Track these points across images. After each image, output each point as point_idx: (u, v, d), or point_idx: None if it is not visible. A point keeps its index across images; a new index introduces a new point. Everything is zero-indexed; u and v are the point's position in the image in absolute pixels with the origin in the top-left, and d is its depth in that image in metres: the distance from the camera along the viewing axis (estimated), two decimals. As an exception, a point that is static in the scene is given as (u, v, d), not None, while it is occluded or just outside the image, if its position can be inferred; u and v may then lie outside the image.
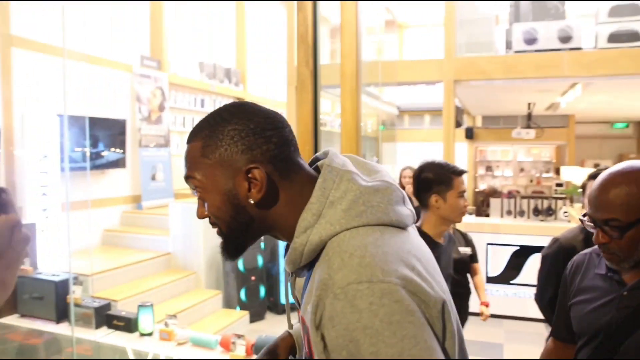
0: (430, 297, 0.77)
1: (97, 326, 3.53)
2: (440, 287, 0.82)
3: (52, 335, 3.68)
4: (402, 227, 0.87)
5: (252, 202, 0.88)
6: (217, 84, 7.93)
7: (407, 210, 0.90)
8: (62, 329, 3.69)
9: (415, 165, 2.31)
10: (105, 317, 3.52)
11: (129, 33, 6.26)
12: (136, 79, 5.97)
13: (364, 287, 0.74)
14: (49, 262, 4.32)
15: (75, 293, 3.65)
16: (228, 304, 5.21)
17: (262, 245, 5.43)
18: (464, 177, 2.21)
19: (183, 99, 7.21)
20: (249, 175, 0.87)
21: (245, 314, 5.04)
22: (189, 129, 7.39)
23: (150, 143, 6.17)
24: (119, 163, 5.72)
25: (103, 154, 5.44)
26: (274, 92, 9.63)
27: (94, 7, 5.56)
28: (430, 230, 2.16)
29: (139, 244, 5.53)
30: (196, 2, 7.58)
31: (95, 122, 5.20)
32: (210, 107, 7.82)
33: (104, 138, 5.43)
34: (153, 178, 6.18)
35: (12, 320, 3.70)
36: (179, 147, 7.17)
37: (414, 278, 0.77)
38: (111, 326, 3.47)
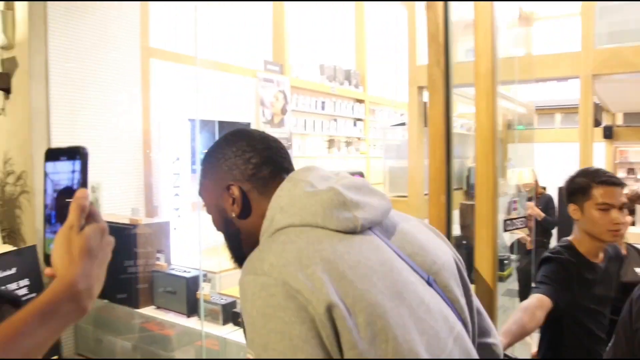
0: (313, 297, 0.77)
1: (224, 322, 3.67)
2: (365, 296, 0.80)
3: (183, 327, 3.89)
4: (334, 229, 0.88)
5: (233, 215, 1.02)
6: (338, 86, 7.98)
7: (346, 214, 0.90)
8: (192, 323, 3.88)
9: (537, 169, 2.07)
10: (231, 314, 3.64)
11: (254, 39, 6.49)
12: (260, 84, 6.17)
13: (250, 279, 0.83)
14: (181, 258, 4.58)
15: (205, 289, 3.82)
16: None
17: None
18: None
19: (304, 102, 7.35)
20: (229, 191, 1.01)
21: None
22: (310, 131, 7.51)
23: (273, 145, 6.35)
24: (244, 165, 5.94)
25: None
26: (394, 93, 9.50)
27: (222, 15, 5.84)
28: (580, 247, 1.91)
29: (262, 244, 5.69)
30: (316, 3, 7.69)
31: (223, 125, 5.45)
32: (330, 110, 7.89)
33: (230, 141, 5.68)
34: (275, 180, 6.35)
35: (149, 311, 3.97)
36: (300, 149, 7.31)
37: (299, 277, 0.79)
38: (237, 323, 3.58)
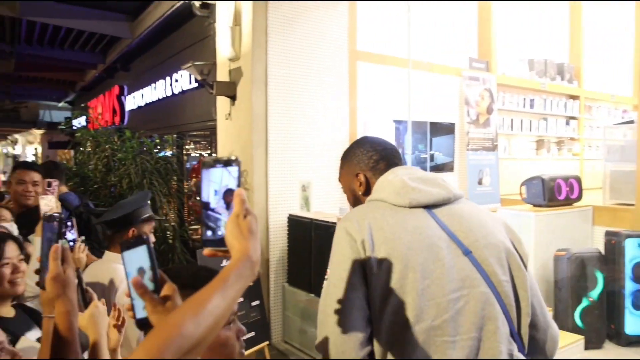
0: (357, 235, 1.32)
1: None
2: (390, 242, 1.30)
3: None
4: (392, 204, 1.41)
5: (360, 193, 1.56)
6: (548, 81, 7.32)
7: (401, 196, 1.41)
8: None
9: None
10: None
11: (459, 37, 6.28)
12: (465, 82, 5.94)
13: (338, 224, 1.42)
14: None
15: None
16: (560, 324, 4.68)
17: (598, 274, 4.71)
18: None
19: (511, 100, 6.88)
20: (357, 177, 1.57)
21: (580, 339, 4.43)
22: (517, 131, 7.02)
23: (478, 146, 6.06)
24: (447, 167, 5.78)
25: (433, 158, 5.57)
26: (616, 88, 8.42)
27: (426, 14, 5.74)
28: None
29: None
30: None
31: (433, 126, 5.39)
32: (540, 108, 7.27)
33: (435, 142, 5.57)
34: (479, 183, 6.05)
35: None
36: (506, 150, 6.87)
37: (352, 224, 1.35)
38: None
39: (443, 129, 5.69)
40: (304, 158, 4.75)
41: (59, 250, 1.05)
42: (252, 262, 0.92)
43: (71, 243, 1.96)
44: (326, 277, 1.38)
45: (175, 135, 7.24)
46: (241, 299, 3.86)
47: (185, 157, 7.72)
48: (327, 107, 4.89)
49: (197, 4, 5.25)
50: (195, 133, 7.68)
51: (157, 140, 6.22)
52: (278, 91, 4.62)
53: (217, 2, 5.04)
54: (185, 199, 6.47)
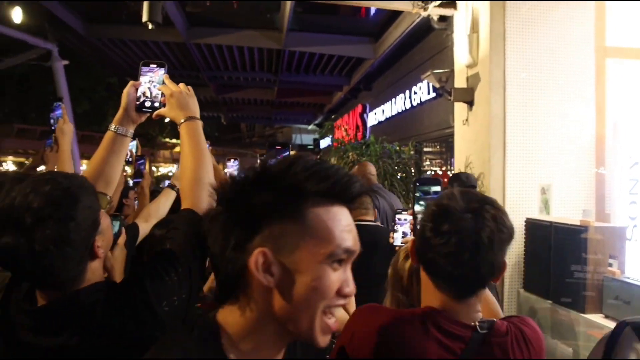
0: None
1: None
2: None
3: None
4: None
5: None
6: None
7: None
8: (648, 341, 3.49)
9: None
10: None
11: None
12: None
13: None
14: (636, 271, 4.17)
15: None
16: None
17: None
18: None
19: None
20: None
21: None
22: None
23: None
24: None
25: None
26: None
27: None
28: None
29: None
30: None
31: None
32: None
33: None
34: None
35: (597, 318, 3.78)
36: None
37: None
38: None
39: None
40: (544, 161, 4.61)
41: None
42: None
43: None
44: None
45: (414, 142, 7.62)
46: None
47: (425, 164, 8.05)
48: (570, 108, 4.67)
49: (435, 17, 5.53)
50: (432, 143, 7.96)
51: (398, 147, 6.66)
52: (516, 94, 4.59)
53: (455, 13, 5.24)
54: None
